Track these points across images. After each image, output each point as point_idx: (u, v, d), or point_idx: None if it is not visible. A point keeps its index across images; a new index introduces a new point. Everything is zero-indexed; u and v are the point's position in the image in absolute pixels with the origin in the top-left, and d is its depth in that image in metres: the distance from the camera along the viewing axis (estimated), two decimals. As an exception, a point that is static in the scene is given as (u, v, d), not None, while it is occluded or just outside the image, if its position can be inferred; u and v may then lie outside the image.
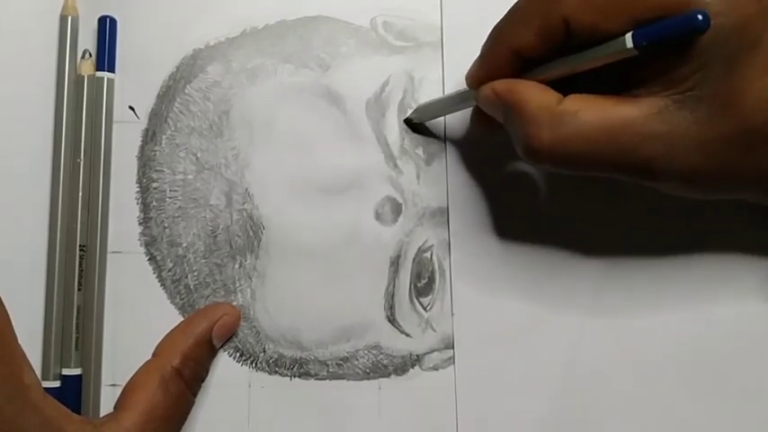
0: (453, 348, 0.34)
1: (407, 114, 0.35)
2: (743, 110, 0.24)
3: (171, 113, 0.36)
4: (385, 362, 0.34)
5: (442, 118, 0.35)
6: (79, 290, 0.34)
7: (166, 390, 0.30)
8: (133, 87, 0.36)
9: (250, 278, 0.34)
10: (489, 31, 0.29)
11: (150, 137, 0.36)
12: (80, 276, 0.34)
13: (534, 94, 0.27)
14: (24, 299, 0.33)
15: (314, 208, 0.35)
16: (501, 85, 0.28)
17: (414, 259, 0.35)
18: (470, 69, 0.30)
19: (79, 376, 0.33)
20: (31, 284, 0.34)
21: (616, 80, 0.26)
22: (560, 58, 0.27)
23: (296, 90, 0.36)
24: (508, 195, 0.35)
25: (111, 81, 0.35)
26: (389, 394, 0.34)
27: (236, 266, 0.35)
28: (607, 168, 0.26)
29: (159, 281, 0.34)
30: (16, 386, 0.26)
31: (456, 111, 0.34)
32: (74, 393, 0.33)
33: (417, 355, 0.34)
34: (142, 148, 0.36)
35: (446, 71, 0.36)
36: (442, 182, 0.35)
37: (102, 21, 0.36)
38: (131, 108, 0.36)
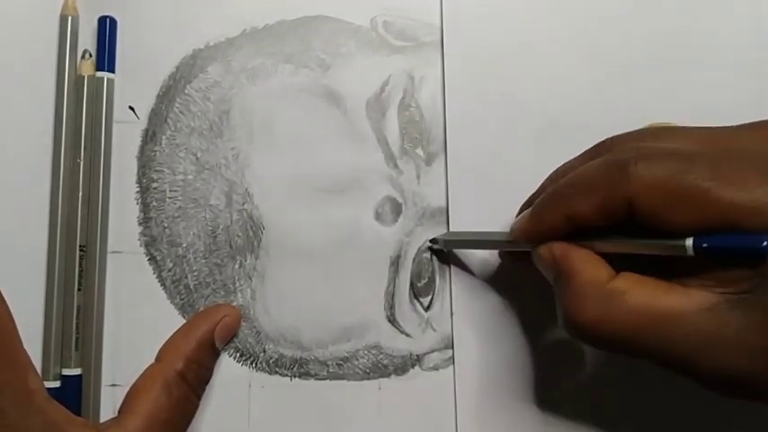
0: (453, 348, 0.34)
1: (434, 238, 0.34)
2: None
3: (171, 113, 0.36)
4: (385, 362, 0.34)
5: (441, 106, 0.35)
6: (79, 290, 0.34)
7: (170, 393, 0.30)
8: (133, 87, 0.36)
9: (250, 278, 0.34)
10: (544, 185, 0.29)
11: (150, 137, 0.36)
12: (80, 276, 0.34)
13: (587, 267, 0.26)
14: (24, 299, 0.33)
15: (314, 208, 0.35)
16: (559, 249, 0.27)
17: (414, 259, 0.35)
18: (520, 222, 0.29)
19: (79, 376, 0.33)
20: (31, 284, 0.34)
21: (670, 261, 0.25)
22: (617, 239, 0.26)
23: (296, 90, 0.36)
24: (508, 195, 0.35)
25: (111, 81, 0.35)
26: (389, 394, 0.34)
27: (236, 266, 0.35)
28: (646, 356, 0.25)
29: (159, 281, 0.34)
30: (21, 390, 0.26)
31: (489, 249, 0.34)
32: (74, 393, 0.33)
33: (417, 355, 0.34)
34: (142, 148, 0.36)
35: (446, 71, 0.36)
36: (441, 182, 0.35)
37: (102, 21, 0.36)
38: (131, 108, 0.36)
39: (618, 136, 0.28)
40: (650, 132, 0.27)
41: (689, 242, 0.23)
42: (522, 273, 0.30)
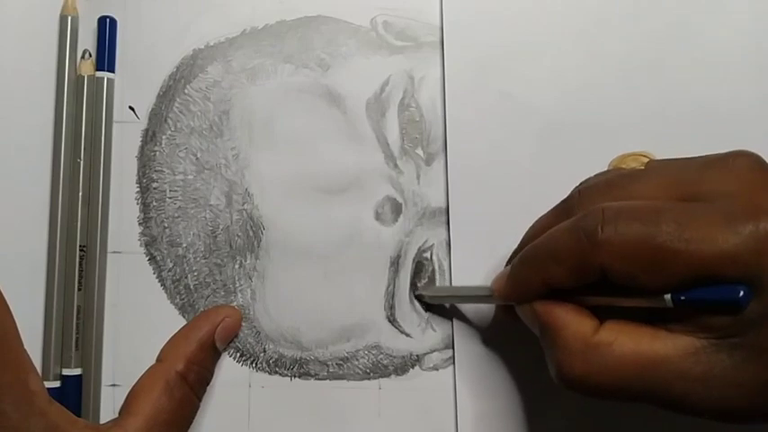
0: (453, 348, 0.34)
1: (419, 291, 0.34)
2: None
3: (171, 113, 0.36)
4: (385, 362, 0.34)
5: (441, 106, 0.35)
6: (79, 290, 0.34)
7: (171, 395, 0.30)
8: (133, 87, 0.36)
9: (250, 278, 0.34)
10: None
11: (150, 137, 0.36)
12: (80, 276, 0.34)
13: (571, 321, 0.26)
14: (24, 299, 0.33)
15: (314, 208, 0.35)
16: (540, 307, 0.28)
17: (414, 259, 0.35)
18: (498, 284, 0.30)
19: (79, 376, 0.33)
20: (31, 284, 0.34)
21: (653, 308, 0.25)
22: (597, 295, 0.26)
23: (296, 90, 0.36)
24: (508, 195, 0.35)
25: (111, 81, 0.35)
26: (389, 394, 0.34)
27: (236, 266, 0.35)
28: (639, 400, 0.25)
29: (159, 281, 0.34)
30: (22, 392, 0.26)
31: (474, 303, 0.34)
32: (74, 393, 0.33)
33: (417, 355, 0.34)
34: (142, 148, 0.36)
35: (446, 71, 0.36)
36: (441, 182, 0.35)
37: (102, 21, 0.36)
38: (131, 108, 0.36)
39: (586, 188, 0.28)
40: (617, 180, 0.27)
41: (667, 297, 0.24)
42: (516, 324, 0.30)
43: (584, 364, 0.25)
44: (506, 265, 0.31)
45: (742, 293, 0.22)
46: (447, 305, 0.34)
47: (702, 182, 0.25)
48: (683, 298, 0.24)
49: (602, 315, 0.26)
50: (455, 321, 0.34)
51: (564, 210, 0.28)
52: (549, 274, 0.27)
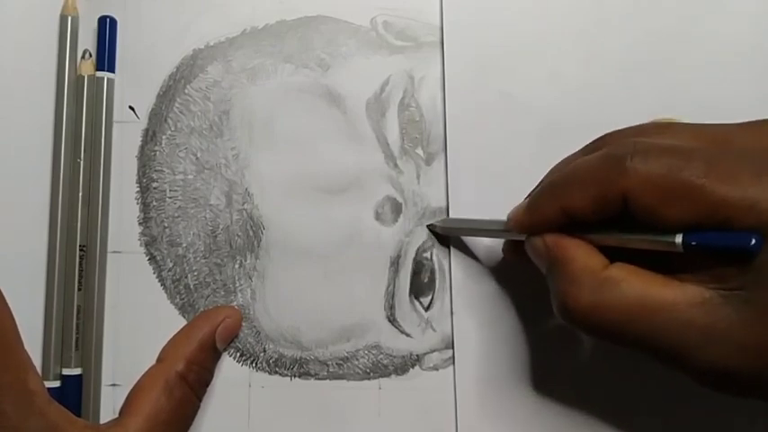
0: (453, 348, 0.34)
1: (433, 221, 0.35)
2: None
3: (171, 113, 0.36)
4: (385, 362, 0.34)
5: (441, 106, 0.35)
6: (79, 290, 0.34)
7: (171, 395, 0.30)
8: (133, 87, 0.36)
9: (250, 278, 0.34)
10: (543, 178, 0.29)
11: (150, 137, 0.36)
12: (80, 276, 0.34)
13: (581, 255, 0.26)
14: (24, 299, 0.33)
15: (314, 208, 0.35)
16: (551, 239, 0.27)
17: (414, 259, 0.35)
18: (516, 213, 0.29)
19: (79, 376, 0.33)
20: (31, 284, 0.34)
21: (665, 256, 0.25)
22: (610, 233, 0.26)
23: (296, 90, 0.36)
24: (508, 195, 0.35)
25: (111, 81, 0.35)
26: (389, 394, 0.34)
27: (236, 266, 0.35)
28: (638, 346, 0.25)
29: (159, 281, 0.34)
30: (21, 392, 0.26)
31: (488, 237, 0.34)
32: (74, 393, 0.33)
33: (417, 355, 0.34)
34: (142, 148, 0.36)
35: (446, 71, 0.36)
36: (442, 182, 0.35)
37: (102, 21, 0.36)
38: (131, 108, 0.36)
39: (617, 131, 0.28)
40: (650, 128, 0.27)
41: (678, 239, 0.24)
42: (522, 265, 0.30)
43: (591, 296, 0.25)
44: (526, 198, 0.31)
45: (753, 241, 0.22)
46: (460, 238, 0.34)
47: (736, 136, 0.25)
48: (693, 243, 0.23)
49: (613, 259, 0.26)
50: (455, 320, 0.34)
51: (592, 147, 0.28)
52: (571, 200, 0.26)
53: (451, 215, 0.35)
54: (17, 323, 0.27)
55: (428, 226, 0.35)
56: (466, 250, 0.35)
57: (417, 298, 0.34)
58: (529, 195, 0.31)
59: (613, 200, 0.25)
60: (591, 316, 0.25)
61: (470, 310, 0.34)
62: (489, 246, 0.34)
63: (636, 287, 0.25)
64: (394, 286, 0.34)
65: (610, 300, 0.25)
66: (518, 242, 0.30)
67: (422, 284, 0.34)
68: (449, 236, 0.35)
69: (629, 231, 0.25)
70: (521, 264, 0.30)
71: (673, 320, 0.24)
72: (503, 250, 0.34)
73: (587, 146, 0.29)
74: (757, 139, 0.25)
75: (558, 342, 0.34)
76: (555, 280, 0.27)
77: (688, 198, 0.23)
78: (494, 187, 0.35)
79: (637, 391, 0.33)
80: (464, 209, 0.35)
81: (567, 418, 0.33)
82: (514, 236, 0.30)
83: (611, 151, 0.25)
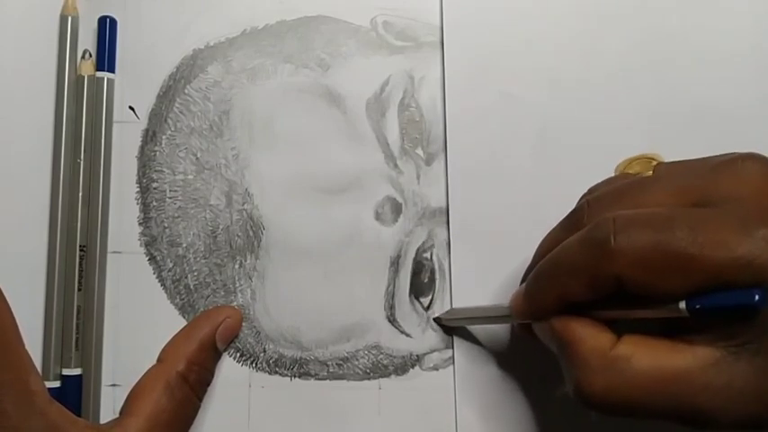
0: (453, 348, 0.34)
1: (438, 315, 0.34)
2: None
3: (171, 113, 0.36)
4: (385, 362, 0.34)
5: (441, 106, 0.35)
6: (79, 290, 0.34)
7: (171, 395, 0.30)
8: (133, 87, 0.36)
9: (250, 278, 0.34)
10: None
11: (150, 137, 0.36)
12: (80, 276, 0.34)
13: (588, 335, 0.26)
14: (24, 299, 0.33)
15: (314, 208, 0.35)
16: (558, 323, 0.27)
17: (414, 259, 0.35)
18: (515, 302, 0.29)
19: (79, 376, 0.33)
20: (31, 284, 0.34)
21: (670, 319, 0.25)
22: (612, 309, 0.26)
23: (296, 90, 0.36)
24: (508, 195, 0.35)
25: (111, 81, 0.35)
26: (389, 394, 0.34)
27: (236, 266, 0.35)
28: (660, 417, 0.24)
29: (159, 281, 0.34)
30: (22, 392, 0.26)
31: (493, 324, 0.33)
32: (74, 393, 0.33)
33: (417, 355, 0.34)
34: (142, 148, 0.36)
35: (446, 71, 0.36)
36: (442, 182, 0.35)
37: (102, 21, 0.36)
38: (131, 108, 0.36)
39: (594, 198, 0.28)
40: (624, 189, 0.27)
41: (682, 305, 0.24)
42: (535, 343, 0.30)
43: (603, 380, 0.25)
44: (521, 283, 0.31)
45: (757, 297, 0.22)
46: (467, 326, 0.34)
47: (712, 187, 0.25)
48: (698, 306, 0.23)
49: (619, 329, 0.26)
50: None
51: (573, 222, 0.28)
52: (565, 288, 0.26)
53: (451, 215, 0.35)
54: (17, 323, 0.27)
55: (434, 319, 0.34)
56: (467, 248, 0.35)
57: (417, 298, 0.34)
58: (523, 280, 0.31)
59: (607, 283, 0.25)
60: (606, 399, 0.25)
61: (469, 297, 0.34)
62: (494, 243, 0.34)
63: (646, 362, 0.24)
64: (394, 286, 0.34)
65: (622, 380, 0.24)
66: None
67: (422, 284, 0.34)
68: (455, 326, 0.34)
69: (632, 304, 0.25)
70: (533, 342, 0.30)
71: (690, 387, 0.24)
72: (512, 326, 0.33)
73: (567, 218, 0.29)
74: (734, 184, 0.25)
75: None
76: (566, 364, 0.26)
77: (680, 270, 0.23)
78: (494, 187, 0.35)
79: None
80: (464, 209, 0.35)
81: (566, 418, 0.33)
82: (520, 320, 0.30)
83: (592, 234, 0.25)
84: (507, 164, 0.35)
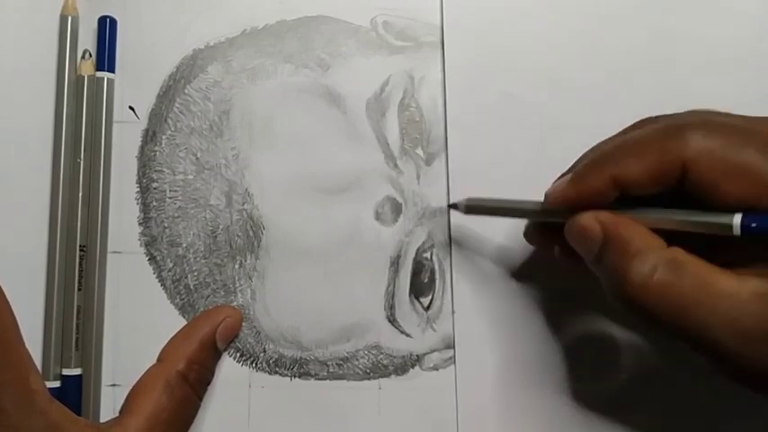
0: (454, 348, 0.34)
1: (456, 201, 0.33)
2: None
3: (171, 113, 0.36)
4: (385, 362, 0.34)
5: (441, 106, 0.35)
6: (79, 290, 0.34)
7: (171, 394, 0.30)
8: (133, 87, 0.36)
9: (250, 278, 0.34)
10: (586, 151, 0.28)
11: (150, 137, 0.36)
12: (80, 276, 0.34)
13: (642, 233, 0.24)
14: (24, 299, 0.33)
15: (314, 208, 0.35)
16: (607, 216, 0.25)
17: (414, 259, 0.35)
18: (558, 187, 0.27)
19: (79, 376, 0.33)
20: (31, 284, 0.34)
21: (716, 247, 0.24)
22: (663, 212, 0.25)
23: (296, 90, 0.36)
24: (509, 195, 0.35)
25: (111, 81, 0.35)
26: (389, 394, 0.34)
27: (236, 266, 0.35)
28: (692, 336, 0.23)
29: (159, 281, 0.34)
30: (22, 391, 0.26)
31: (515, 217, 0.32)
32: (74, 393, 0.33)
33: (417, 355, 0.34)
34: (142, 148, 0.36)
35: (446, 71, 0.36)
36: (442, 182, 0.35)
37: (102, 21, 0.36)
38: (131, 108, 0.36)
39: (665, 115, 0.27)
40: (699, 111, 0.26)
41: (737, 219, 0.23)
42: (543, 252, 0.29)
43: (657, 274, 0.23)
44: (567, 173, 0.29)
45: None
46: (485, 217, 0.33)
47: None
48: (753, 224, 0.22)
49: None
50: (456, 320, 0.34)
51: (639, 125, 0.27)
52: (625, 170, 0.24)
53: (453, 215, 0.35)
54: (17, 322, 0.27)
55: (450, 205, 0.34)
56: (467, 248, 0.35)
57: (417, 298, 0.34)
58: (570, 170, 0.29)
59: (672, 170, 0.24)
60: (651, 296, 0.23)
61: (472, 309, 0.34)
62: (494, 243, 0.34)
63: (700, 272, 0.23)
64: (394, 286, 0.34)
65: (675, 281, 0.23)
66: (545, 225, 0.28)
67: (422, 284, 0.34)
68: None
69: (683, 212, 0.24)
70: (543, 249, 0.28)
71: (734, 310, 0.22)
72: (525, 235, 0.32)
73: (630, 126, 0.27)
74: None
75: (561, 340, 0.34)
76: (611, 259, 0.25)
77: (748, 177, 0.23)
78: (494, 187, 0.35)
79: (638, 392, 0.33)
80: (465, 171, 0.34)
81: (567, 418, 0.33)
82: (551, 217, 0.28)
83: (670, 122, 0.24)
84: (508, 163, 0.35)
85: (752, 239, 0.23)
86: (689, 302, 0.23)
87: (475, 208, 0.32)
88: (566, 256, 0.29)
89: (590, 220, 0.26)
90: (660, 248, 0.24)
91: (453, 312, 0.34)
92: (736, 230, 0.23)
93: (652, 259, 0.24)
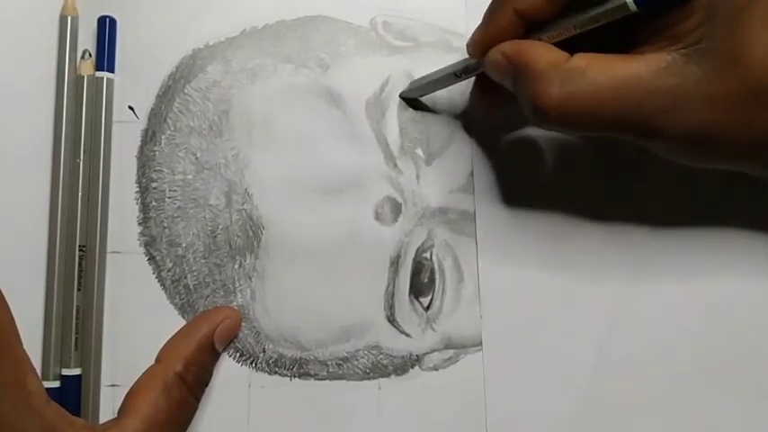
0: (482, 345, 0.34)
1: (402, 91, 0.35)
2: (748, 66, 0.23)
3: (170, 113, 0.36)
4: (385, 362, 0.34)
5: (441, 114, 0.35)
6: (79, 290, 0.34)
7: (169, 395, 0.30)
8: (133, 87, 0.36)
9: (250, 278, 0.34)
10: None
11: (150, 137, 0.36)
12: (80, 276, 0.34)
13: (542, 54, 0.27)
14: (24, 299, 0.33)
15: (314, 208, 0.35)
16: (509, 46, 0.28)
17: (413, 259, 0.35)
18: (473, 36, 0.30)
19: (79, 376, 0.33)
20: (31, 284, 0.34)
21: (620, 40, 0.26)
22: (563, 19, 0.27)
23: (296, 90, 0.36)
24: (524, 187, 0.35)
25: (110, 81, 0.35)
26: (389, 394, 0.34)
27: (236, 266, 0.35)
28: (614, 128, 0.26)
29: (159, 281, 0.34)
30: (19, 392, 0.26)
31: (454, 83, 0.34)
32: (74, 393, 0.33)
33: (417, 355, 0.34)
34: (142, 148, 0.36)
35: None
36: (442, 182, 0.35)
37: (102, 21, 0.36)
38: (131, 108, 0.36)
39: None
40: None
41: None
42: (494, 110, 0.31)
43: (560, 89, 0.26)
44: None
45: None
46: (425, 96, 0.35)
47: None
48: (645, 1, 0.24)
49: (572, 53, 0.27)
50: (482, 310, 0.34)
51: None
52: (522, 2, 0.27)
53: (478, 218, 0.35)
54: (17, 323, 0.27)
55: (400, 95, 0.35)
56: (493, 249, 0.34)
57: (417, 298, 0.34)
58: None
59: None
60: (564, 109, 0.26)
61: (498, 311, 0.34)
62: (520, 243, 0.34)
63: (601, 70, 0.25)
64: (394, 286, 0.34)
65: (580, 88, 0.25)
66: (484, 83, 0.31)
67: (422, 284, 0.34)
68: (421, 102, 0.35)
69: (582, 13, 0.26)
70: (492, 108, 0.31)
71: (642, 91, 0.25)
72: (470, 101, 0.34)
73: None
74: None
75: (586, 342, 0.34)
76: (522, 85, 0.27)
77: None
78: (519, 173, 0.35)
79: (658, 381, 0.33)
80: (490, 176, 0.35)
81: (578, 417, 0.33)
82: (474, 70, 0.30)
83: None
84: (523, 165, 0.35)
85: (649, 12, 0.25)
86: (596, 103, 0.25)
87: (416, 90, 0.35)
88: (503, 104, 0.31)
89: (495, 55, 0.29)
90: (562, 62, 0.26)
91: (481, 317, 0.34)
92: (632, 6, 0.25)
93: (555, 76, 0.26)
